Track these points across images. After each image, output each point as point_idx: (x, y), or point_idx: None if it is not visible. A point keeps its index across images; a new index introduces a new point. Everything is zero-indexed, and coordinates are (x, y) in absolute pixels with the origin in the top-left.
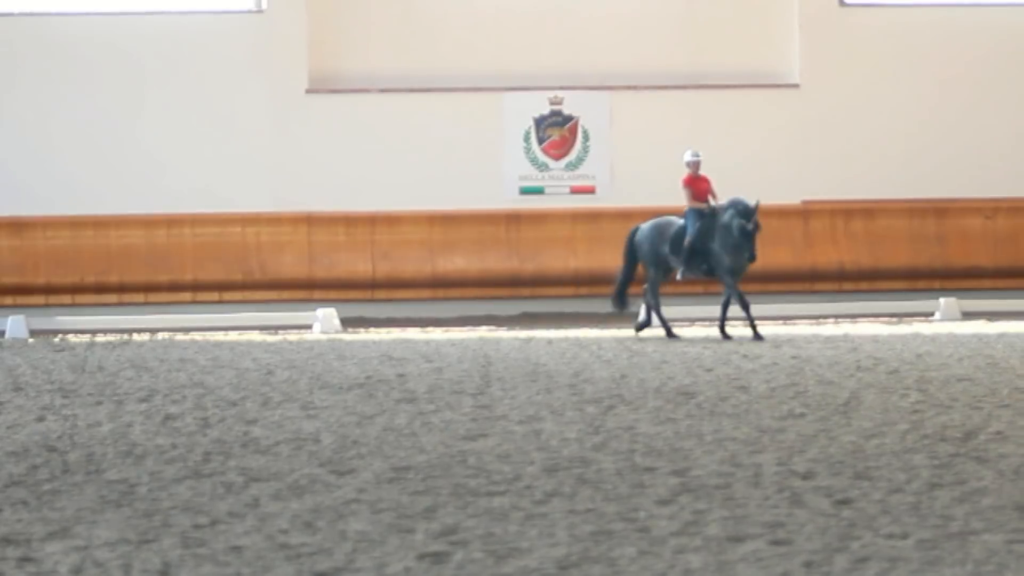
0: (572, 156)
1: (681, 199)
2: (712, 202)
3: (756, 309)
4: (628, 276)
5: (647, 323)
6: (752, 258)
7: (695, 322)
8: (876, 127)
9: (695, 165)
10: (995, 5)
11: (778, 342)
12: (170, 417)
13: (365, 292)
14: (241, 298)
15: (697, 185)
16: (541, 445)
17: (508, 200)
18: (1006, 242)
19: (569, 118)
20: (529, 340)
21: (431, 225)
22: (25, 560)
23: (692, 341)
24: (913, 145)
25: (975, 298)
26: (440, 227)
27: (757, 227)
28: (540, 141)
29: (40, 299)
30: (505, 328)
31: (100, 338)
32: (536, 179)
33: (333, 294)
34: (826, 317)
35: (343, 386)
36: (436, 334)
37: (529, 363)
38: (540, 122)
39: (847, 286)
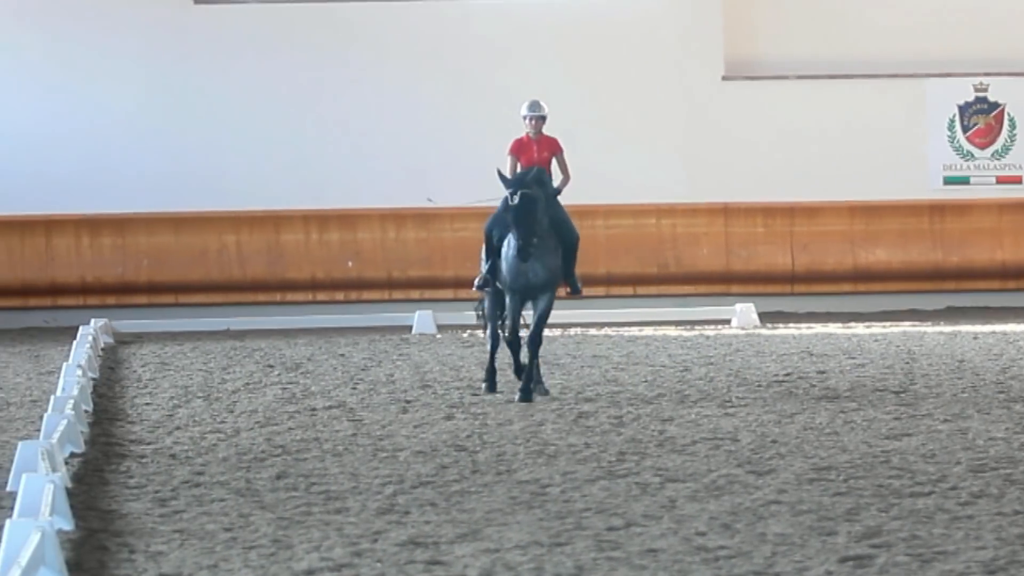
0: (998, 145)
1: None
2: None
3: None
4: None
5: None
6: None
7: None
8: None
9: (532, 122)
10: None
11: None
12: (583, 415)
13: (784, 286)
14: (656, 292)
15: (527, 153)
16: (967, 444)
17: (932, 190)
18: None
19: (995, 105)
20: (954, 335)
21: (852, 216)
22: (433, 563)
23: None
24: None
25: None
26: (861, 218)
27: (529, 200)
28: (965, 129)
29: (448, 293)
30: (929, 323)
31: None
32: (961, 168)
33: (751, 287)
34: None
35: (762, 383)
36: (858, 329)
37: (954, 359)
38: (964, 109)
39: None
